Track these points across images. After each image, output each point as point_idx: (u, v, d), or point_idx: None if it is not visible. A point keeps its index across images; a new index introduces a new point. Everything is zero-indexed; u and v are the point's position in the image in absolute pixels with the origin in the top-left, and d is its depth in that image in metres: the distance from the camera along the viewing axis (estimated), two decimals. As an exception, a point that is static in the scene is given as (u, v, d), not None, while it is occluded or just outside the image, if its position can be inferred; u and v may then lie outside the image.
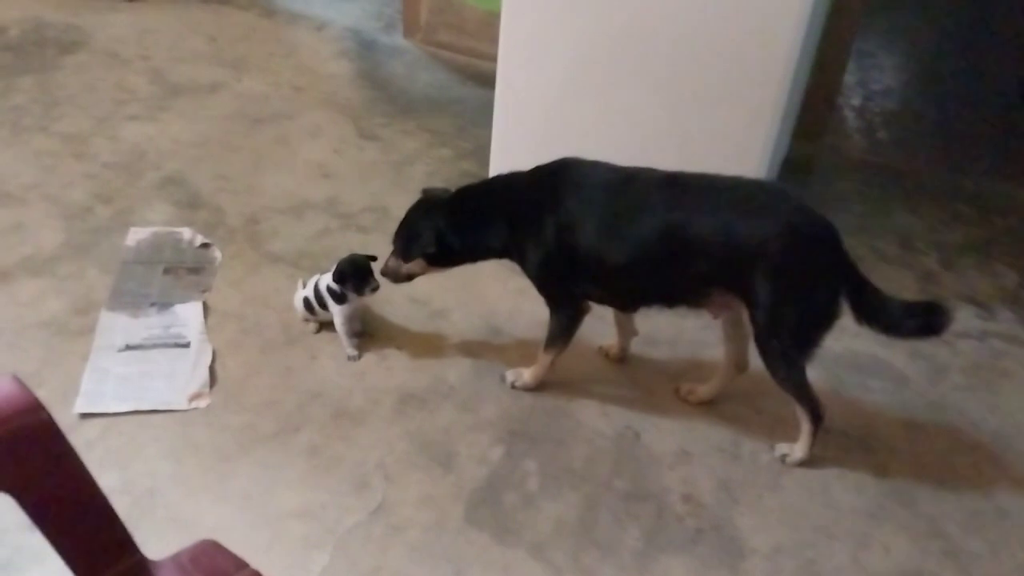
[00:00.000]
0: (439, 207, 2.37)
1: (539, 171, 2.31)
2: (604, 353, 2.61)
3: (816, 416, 2.25)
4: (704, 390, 2.46)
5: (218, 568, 1.20)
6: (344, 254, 2.53)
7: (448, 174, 3.37)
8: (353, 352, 2.53)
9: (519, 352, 2.59)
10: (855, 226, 3.24)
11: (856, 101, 4.23)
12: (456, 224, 2.33)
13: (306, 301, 2.55)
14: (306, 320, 2.61)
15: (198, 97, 3.76)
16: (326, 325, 2.60)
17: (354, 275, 2.47)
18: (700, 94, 2.63)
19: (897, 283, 3.00)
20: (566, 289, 2.35)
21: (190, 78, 3.89)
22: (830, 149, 3.79)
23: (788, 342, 2.15)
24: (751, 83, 2.55)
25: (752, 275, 2.09)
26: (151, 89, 3.79)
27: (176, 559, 1.20)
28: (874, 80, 4.47)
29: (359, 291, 2.48)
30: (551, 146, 2.33)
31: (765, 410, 2.46)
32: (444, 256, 2.37)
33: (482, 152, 3.12)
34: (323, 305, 2.53)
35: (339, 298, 2.50)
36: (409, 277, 2.46)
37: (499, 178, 2.42)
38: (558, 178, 2.27)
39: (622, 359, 2.60)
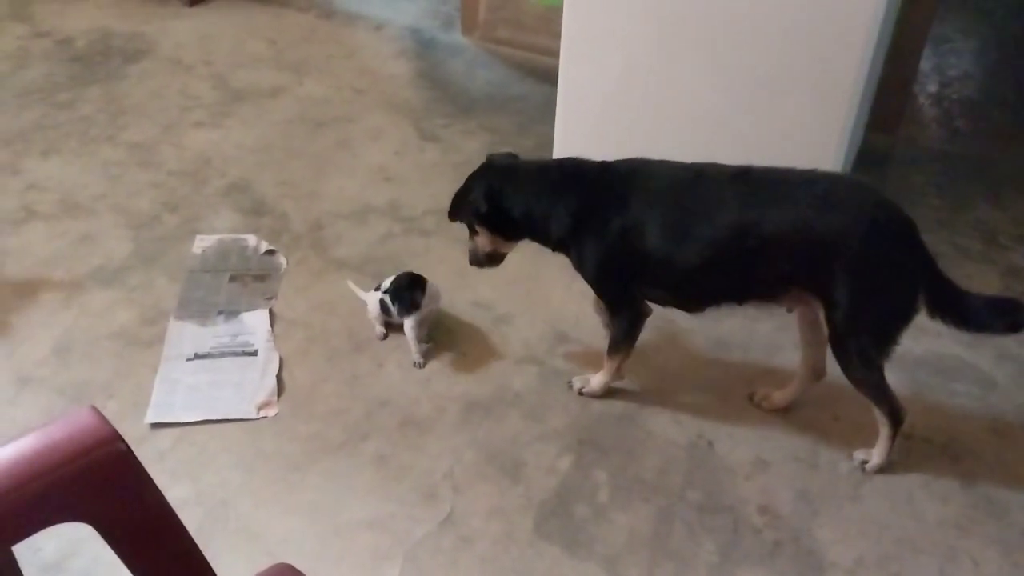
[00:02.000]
0: (497, 169, 2.34)
1: (607, 169, 2.25)
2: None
3: (896, 419, 2.16)
4: (779, 396, 2.38)
5: (294, 595, 1.19)
6: (409, 258, 2.52)
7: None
8: (420, 359, 2.52)
9: (586, 358, 2.54)
10: (934, 220, 3.11)
11: (933, 88, 4.06)
12: (513, 188, 2.27)
13: (383, 303, 2.54)
14: (378, 323, 2.59)
15: (260, 102, 3.78)
16: (394, 328, 2.59)
17: (400, 293, 2.49)
18: (770, 84, 2.54)
19: (980, 280, 2.86)
20: (626, 291, 2.29)
21: (252, 83, 3.92)
22: (906, 140, 3.64)
23: (866, 341, 2.07)
24: (824, 71, 2.46)
25: (830, 272, 2.00)
26: (214, 95, 3.82)
27: (253, 586, 1.18)
28: (952, 66, 4.28)
29: (406, 311, 2.48)
30: (614, 141, 2.28)
31: (843, 417, 2.37)
32: (502, 222, 2.30)
33: (544, 150, 3.07)
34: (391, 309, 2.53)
35: (407, 308, 2.49)
36: (491, 259, 2.42)
37: (568, 161, 2.33)
38: (625, 177, 2.21)
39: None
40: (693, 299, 2.29)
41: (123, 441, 1.01)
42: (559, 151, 2.92)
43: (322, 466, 2.21)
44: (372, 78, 3.99)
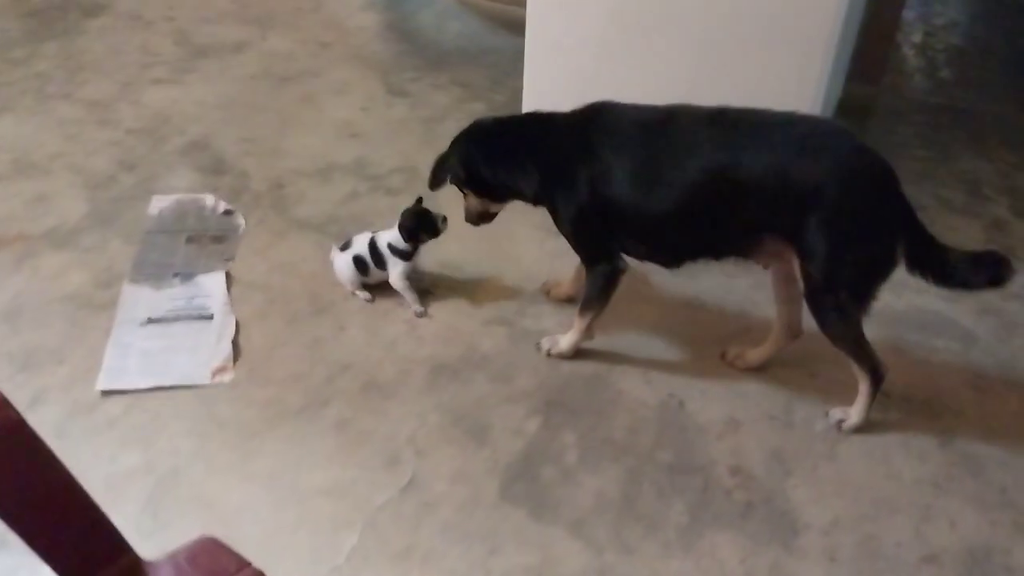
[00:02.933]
0: (474, 134, 2.28)
1: (571, 116, 2.17)
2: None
3: (876, 375, 2.09)
4: (753, 355, 2.31)
5: (218, 567, 1.11)
6: (374, 218, 2.44)
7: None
8: (420, 307, 2.46)
9: (555, 318, 2.46)
10: (918, 172, 3.03)
11: (917, 37, 3.95)
12: (486, 153, 2.23)
13: (358, 260, 2.45)
14: (354, 287, 2.50)
15: (223, 57, 3.65)
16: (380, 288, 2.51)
17: (420, 225, 2.42)
18: (745, 32, 2.44)
19: (964, 233, 2.79)
20: (602, 244, 2.21)
21: (215, 38, 3.78)
22: (889, 90, 3.55)
23: (843, 294, 1.99)
24: (799, 17, 2.35)
25: (806, 220, 1.92)
26: (176, 51, 3.69)
27: (173, 558, 1.10)
28: (936, 14, 4.17)
29: (434, 234, 2.43)
30: (585, 93, 2.17)
31: (820, 374, 2.30)
32: (483, 184, 2.27)
33: (516, 105, 2.97)
34: (380, 264, 2.44)
35: (405, 255, 2.43)
36: (483, 217, 2.39)
37: (535, 116, 2.27)
38: (590, 123, 2.13)
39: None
40: (668, 251, 2.20)
41: (13, 408, 0.92)
42: (528, 105, 2.82)
43: (280, 432, 2.13)
44: (339, 31, 3.86)
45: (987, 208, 2.93)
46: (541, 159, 2.18)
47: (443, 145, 2.30)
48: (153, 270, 2.58)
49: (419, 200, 2.47)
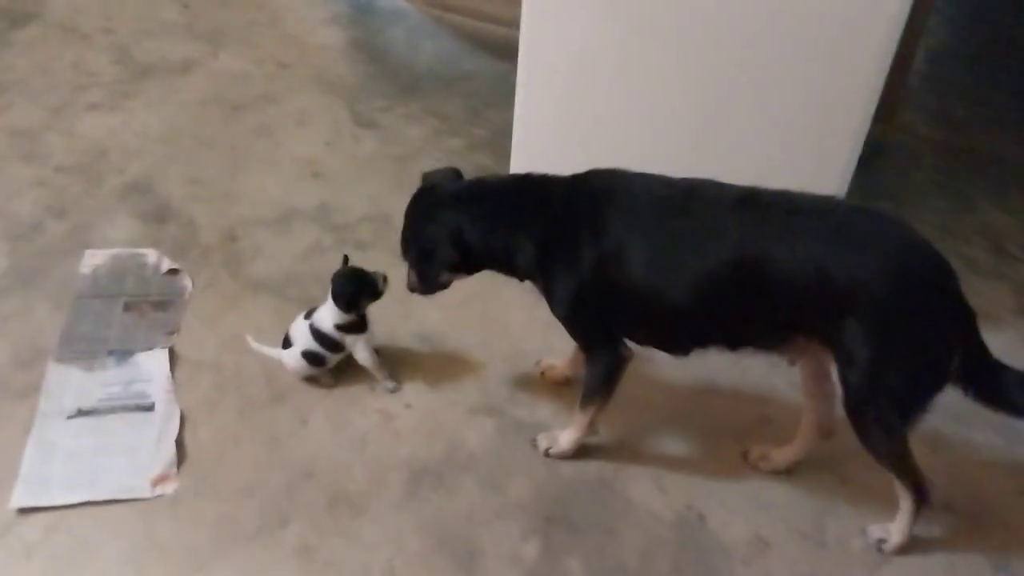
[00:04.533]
0: (448, 203, 1.91)
1: (575, 183, 1.87)
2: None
3: (920, 493, 1.83)
4: (780, 457, 2.03)
5: None
6: None
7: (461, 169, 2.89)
8: (392, 383, 2.16)
9: (552, 406, 2.16)
10: (937, 226, 2.78)
11: (923, 67, 3.70)
12: (473, 224, 1.87)
13: (310, 355, 2.11)
14: (312, 378, 2.17)
15: (169, 79, 3.26)
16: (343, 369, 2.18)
17: (358, 290, 2.07)
18: (768, 76, 2.14)
19: (989, 298, 2.55)
20: (603, 330, 1.91)
21: (160, 55, 3.39)
22: (901, 129, 3.28)
23: (887, 407, 1.71)
24: (838, 65, 2.07)
25: (846, 324, 1.65)
26: (114, 70, 3.28)
27: None
28: (941, 42, 3.92)
29: (375, 296, 2.09)
30: (586, 131, 1.87)
31: (852, 479, 2.03)
32: (468, 262, 1.92)
33: (500, 141, 2.62)
34: (335, 347, 2.10)
35: (358, 327, 2.10)
36: (440, 287, 2.02)
37: (528, 179, 1.94)
38: (600, 195, 1.82)
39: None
40: (678, 341, 1.91)
41: None
42: (519, 144, 2.49)
43: (232, 561, 1.79)
44: (299, 49, 3.49)
45: (1015, 269, 2.69)
46: (540, 231, 1.86)
47: (416, 187, 1.97)
48: (84, 346, 2.22)
49: (345, 259, 2.13)
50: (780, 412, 2.17)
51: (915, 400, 1.72)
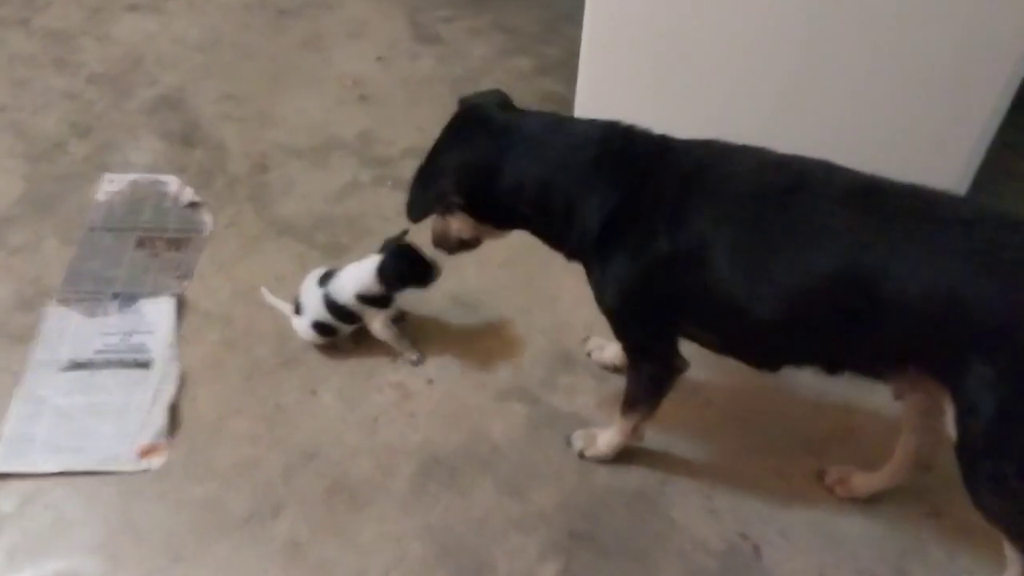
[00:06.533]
0: (482, 130, 1.56)
1: (665, 150, 1.49)
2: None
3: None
4: (862, 482, 1.70)
5: None
6: (374, 222, 1.86)
7: (523, 96, 2.52)
8: (416, 354, 1.92)
9: (595, 395, 1.86)
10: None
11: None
12: (512, 160, 1.51)
13: (321, 326, 1.87)
14: (322, 345, 1.93)
15: (216, -23, 2.97)
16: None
17: (410, 273, 1.83)
18: (900, 37, 1.70)
19: None
20: (658, 337, 1.58)
21: (210, -51, 3.09)
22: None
23: (1008, 466, 1.35)
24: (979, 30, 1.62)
25: (973, 364, 1.27)
26: (160, -35, 3.01)
27: None
28: None
29: (423, 284, 1.85)
30: (664, 63, 1.48)
31: (946, 514, 1.68)
32: (491, 207, 1.58)
33: (575, 63, 2.21)
34: (350, 319, 1.86)
35: (381, 301, 1.85)
36: (466, 245, 1.70)
37: (604, 128, 1.53)
38: (691, 174, 1.45)
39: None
40: (764, 358, 1.57)
41: None
42: (586, 69, 2.12)
43: (214, 552, 1.61)
44: (361, -54, 3.13)
45: None
46: (613, 201, 1.47)
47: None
48: (90, 285, 2.04)
49: (404, 232, 1.84)
50: (868, 424, 1.81)
51: None
